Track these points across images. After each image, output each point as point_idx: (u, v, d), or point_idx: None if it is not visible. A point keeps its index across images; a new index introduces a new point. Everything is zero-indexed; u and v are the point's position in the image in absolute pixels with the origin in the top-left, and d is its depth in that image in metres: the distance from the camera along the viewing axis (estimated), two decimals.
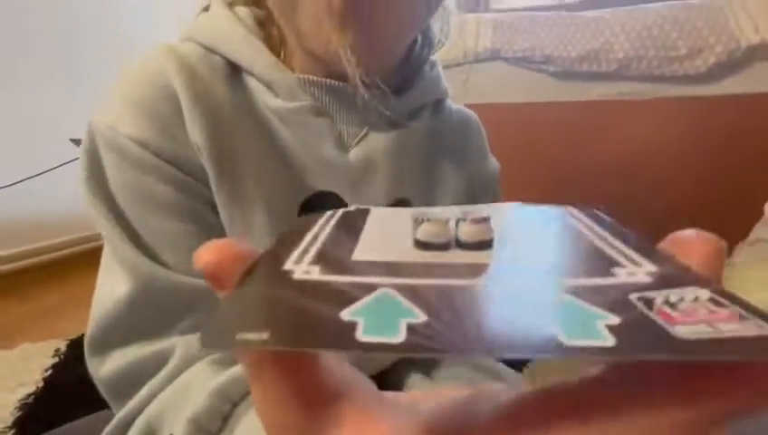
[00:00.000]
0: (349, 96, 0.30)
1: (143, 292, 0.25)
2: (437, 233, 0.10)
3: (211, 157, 0.26)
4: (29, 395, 0.67)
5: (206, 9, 0.33)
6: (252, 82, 0.29)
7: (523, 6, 1.75)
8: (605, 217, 0.11)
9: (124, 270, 0.26)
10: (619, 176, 0.93)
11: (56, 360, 0.77)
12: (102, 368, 0.26)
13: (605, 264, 0.09)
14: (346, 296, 0.08)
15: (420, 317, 0.07)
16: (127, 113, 0.26)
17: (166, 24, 1.55)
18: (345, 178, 0.30)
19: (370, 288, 0.08)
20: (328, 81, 0.29)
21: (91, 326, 0.27)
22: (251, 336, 0.07)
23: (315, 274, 0.09)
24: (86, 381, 0.58)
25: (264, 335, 0.07)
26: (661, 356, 0.06)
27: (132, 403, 0.25)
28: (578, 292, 0.08)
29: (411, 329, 0.07)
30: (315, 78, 0.29)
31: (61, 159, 1.09)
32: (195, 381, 0.23)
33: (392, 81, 0.32)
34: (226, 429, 0.20)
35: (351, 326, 0.07)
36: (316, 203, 0.30)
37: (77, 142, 0.98)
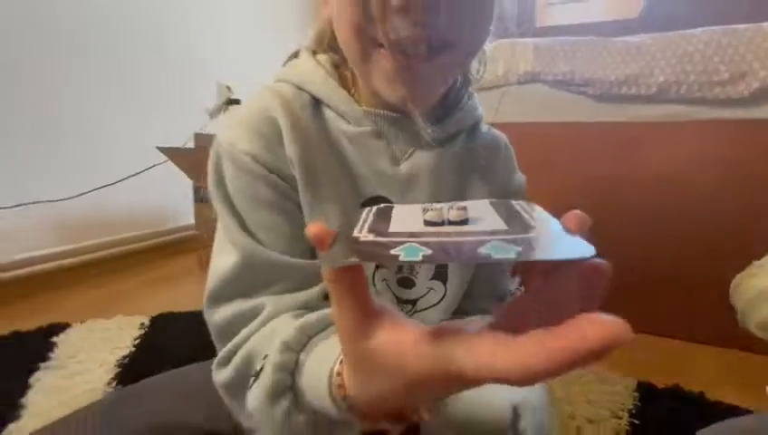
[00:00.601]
0: (401, 124, 0.39)
1: (246, 263, 0.35)
2: (437, 216, 0.18)
3: (300, 168, 0.37)
4: (125, 356, 0.82)
5: (296, 56, 0.44)
6: (329, 113, 0.40)
7: (568, 23, 1.78)
8: (533, 205, 0.20)
9: (234, 248, 0.36)
10: (658, 193, 0.94)
11: (142, 331, 0.92)
12: (215, 316, 0.37)
13: (521, 228, 0.17)
14: (390, 246, 0.16)
15: (429, 252, 0.16)
16: (243, 135, 0.37)
17: (239, 56, 1.75)
18: (395, 187, 0.40)
19: (402, 242, 0.17)
20: (385, 112, 0.39)
21: (208, 286, 0.37)
22: (345, 260, 0.16)
23: (371, 237, 0.18)
24: (164, 348, 0.71)
25: (353, 259, 0.16)
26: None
27: (233, 341, 0.35)
28: (502, 237, 0.16)
29: (425, 256, 0.15)
30: (376, 110, 0.39)
31: (147, 163, 1.29)
32: (281, 325, 0.33)
33: (434, 112, 0.41)
34: (306, 350, 0.29)
35: (396, 256, 0.16)
36: (371, 204, 0.39)
37: (162, 150, 1.16)
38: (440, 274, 0.41)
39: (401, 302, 0.42)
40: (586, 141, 1.00)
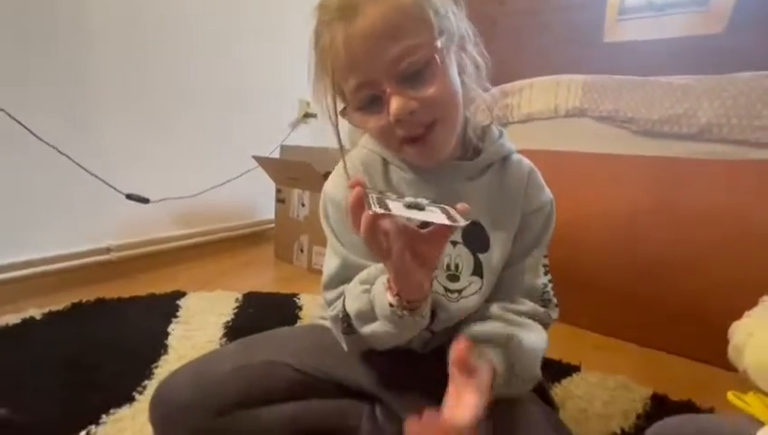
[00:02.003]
0: (450, 167, 0.56)
1: (343, 265, 0.56)
2: (411, 204, 0.39)
3: None
4: (228, 321, 1.07)
5: None
6: (393, 168, 0.59)
7: (641, 39, 1.77)
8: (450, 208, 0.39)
9: (336, 255, 0.57)
10: (693, 226, 1.00)
11: (237, 304, 1.18)
12: (327, 296, 0.57)
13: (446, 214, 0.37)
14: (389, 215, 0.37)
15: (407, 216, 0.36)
16: (336, 185, 0.59)
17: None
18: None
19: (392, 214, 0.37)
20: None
21: (323, 278, 0.58)
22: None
23: (380, 210, 0.36)
24: (255, 317, 0.95)
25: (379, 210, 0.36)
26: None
27: (334, 307, 0.55)
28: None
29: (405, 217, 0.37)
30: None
31: (241, 169, 1.57)
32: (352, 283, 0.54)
33: (465, 155, 0.57)
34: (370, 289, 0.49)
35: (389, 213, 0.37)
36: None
37: (256, 158, 1.44)
38: (477, 271, 0.56)
39: (449, 291, 0.57)
40: (628, 173, 1.08)
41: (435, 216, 0.38)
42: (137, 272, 1.35)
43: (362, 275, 0.54)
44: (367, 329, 0.52)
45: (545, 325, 0.57)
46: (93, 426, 0.65)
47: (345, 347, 0.58)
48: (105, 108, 1.26)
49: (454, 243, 0.57)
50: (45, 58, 1.12)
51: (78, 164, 1.13)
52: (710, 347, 1.04)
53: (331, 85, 0.49)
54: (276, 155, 1.63)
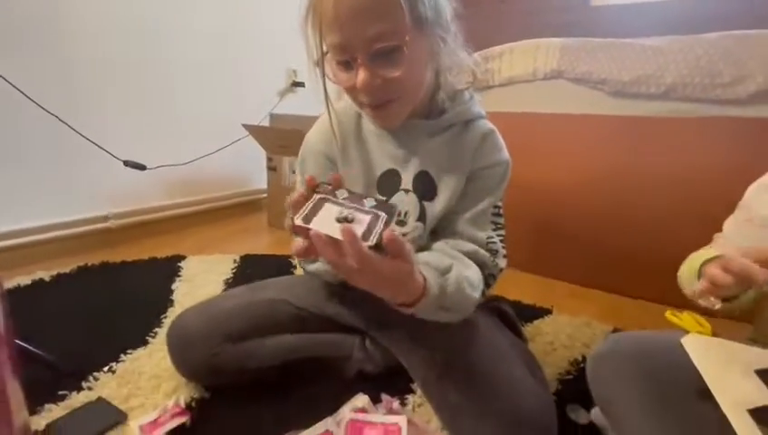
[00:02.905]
0: (409, 125, 0.62)
1: None
2: (340, 217, 0.42)
3: (341, 153, 0.63)
4: (228, 279, 1.14)
5: None
6: (364, 120, 0.65)
7: (626, 2, 1.79)
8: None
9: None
10: (666, 183, 1.08)
11: (235, 265, 1.25)
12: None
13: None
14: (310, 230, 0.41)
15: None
16: (313, 134, 0.66)
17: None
18: (396, 162, 0.63)
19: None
20: None
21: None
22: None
23: (300, 222, 0.40)
24: (252, 275, 1.04)
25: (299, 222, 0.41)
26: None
27: None
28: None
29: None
30: None
31: (233, 137, 1.60)
32: None
33: (424, 112, 0.62)
34: None
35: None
36: (386, 175, 0.64)
37: (246, 127, 1.48)
38: (421, 217, 0.63)
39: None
40: (602, 133, 1.15)
41: (350, 229, 0.38)
42: (135, 239, 1.40)
43: None
44: (311, 267, 0.67)
45: (488, 270, 0.61)
46: (114, 363, 0.73)
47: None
48: (101, 76, 1.27)
49: (406, 191, 0.63)
50: (44, 26, 1.13)
51: (76, 131, 1.16)
52: (671, 290, 1.15)
53: (318, 32, 0.53)
54: (266, 124, 1.66)
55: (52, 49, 1.16)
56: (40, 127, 1.14)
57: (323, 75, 0.55)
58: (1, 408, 0.41)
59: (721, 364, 0.50)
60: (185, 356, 0.65)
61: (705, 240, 0.68)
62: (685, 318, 0.63)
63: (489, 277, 0.62)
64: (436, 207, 0.63)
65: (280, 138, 1.52)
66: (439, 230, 0.64)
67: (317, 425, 0.52)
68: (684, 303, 0.66)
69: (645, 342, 0.58)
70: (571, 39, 1.18)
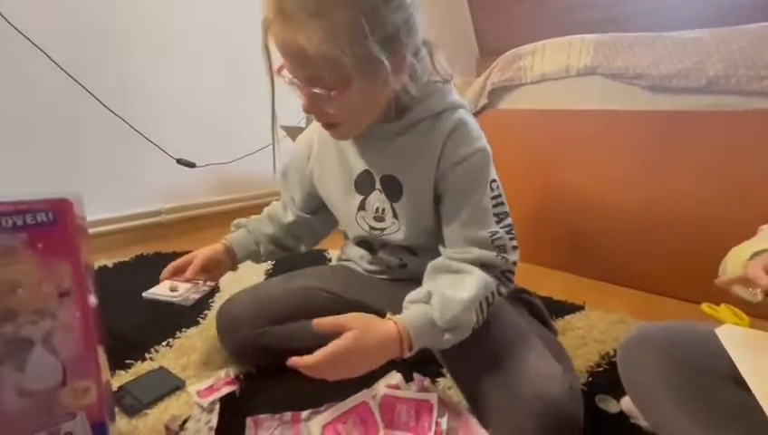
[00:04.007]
0: (370, 130, 0.61)
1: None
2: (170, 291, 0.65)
3: (316, 162, 0.70)
4: (268, 269, 1.22)
5: None
6: None
7: None
8: None
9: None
10: (703, 180, 1.05)
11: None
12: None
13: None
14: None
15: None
16: (297, 145, 0.73)
17: None
18: (368, 163, 0.65)
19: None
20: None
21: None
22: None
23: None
24: (292, 266, 1.05)
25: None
26: None
27: None
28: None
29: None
30: None
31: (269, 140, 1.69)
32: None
33: (388, 116, 0.59)
34: None
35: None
36: (361, 176, 0.67)
37: (284, 128, 1.55)
38: (395, 215, 0.65)
39: (374, 229, 0.68)
40: (639, 129, 1.13)
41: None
42: (184, 233, 1.52)
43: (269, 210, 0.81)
44: (344, 258, 0.81)
45: (499, 269, 0.60)
46: (171, 339, 0.81)
47: None
48: (157, 75, 1.39)
49: (380, 190, 0.66)
50: (106, 25, 1.25)
51: (136, 130, 1.28)
52: (708, 289, 1.09)
53: (268, 51, 0.53)
54: (303, 125, 1.74)
55: (112, 47, 1.28)
56: (102, 124, 1.26)
57: (273, 93, 0.58)
58: (93, 367, 0.48)
59: (756, 354, 0.50)
60: (233, 336, 0.71)
61: (749, 238, 0.66)
62: (722, 310, 0.62)
63: (503, 275, 0.61)
64: (404, 205, 0.65)
65: None
66: (442, 239, 0.63)
67: (354, 396, 0.57)
68: (718, 302, 0.65)
69: (676, 331, 0.58)
70: (606, 35, 1.17)
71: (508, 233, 0.61)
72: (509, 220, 0.63)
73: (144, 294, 0.67)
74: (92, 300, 0.50)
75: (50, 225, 0.43)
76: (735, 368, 0.47)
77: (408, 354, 0.54)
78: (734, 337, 0.53)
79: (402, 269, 0.74)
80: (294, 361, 0.51)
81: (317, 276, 0.79)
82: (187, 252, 1.36)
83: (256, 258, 0.80)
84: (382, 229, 0.68)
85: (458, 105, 0.62)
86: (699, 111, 1.04)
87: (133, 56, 1.34)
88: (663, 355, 0.53)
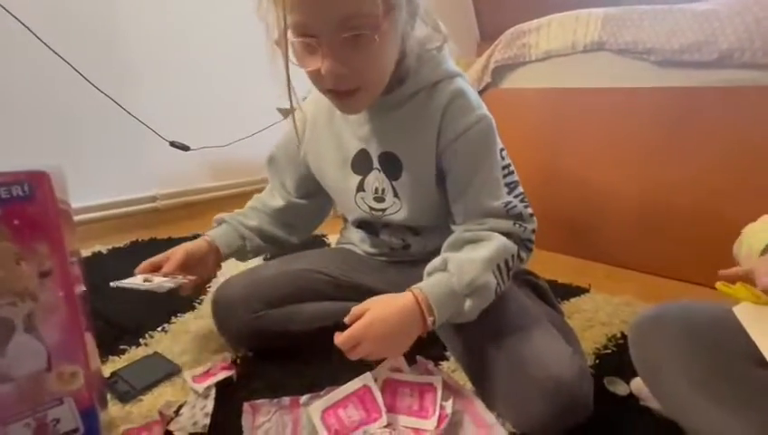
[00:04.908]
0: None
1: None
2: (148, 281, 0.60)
3: (312, 140, 0.66)
4: (266, 255, 1.19)
5: None
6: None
7: None
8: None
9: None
10: (715, 160, 1.01)
11: None
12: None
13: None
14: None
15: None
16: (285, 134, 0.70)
17: None
18: (364, 142, 0.63)
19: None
20: None
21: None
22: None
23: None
24: (290, 251, 0.99)
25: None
26: None
27: None
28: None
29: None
30: None
31: (270, 121, 1.64)
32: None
33: (388, 87, 0.56)
34: None
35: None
36: (358, 156, 0.64)
37: (280, 110, 1.51)
38: (396, 194, 0.63)
39: (374, 210, 0.66)
40: (648, 107, 1.09)
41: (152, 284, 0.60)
42: (180, 219, 1.48)
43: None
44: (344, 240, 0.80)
45: (519, 237, 0.59)
46: (166, 324, 0.79)
47: None
48: (149, 57, 1.35)
49: (379, 170, 0.63)
50: (98, 8, 1.20)
51: (127, 111, 1.23)
52: (716, 271, 1.07)
53: (282, 7, 0.46)
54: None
55: (104, 30, 1.24)
56: (95, 107, 1.21)
57: (286, 56, 0.50)
58: (80, 351, 0.45)
59: None
60: (228, 320, 0.69)
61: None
62: (738, 288, 0.60)
63: (523, 244, 0.60)
64: (405, 184, 0.62)
65: None
66: (452, 217, 0.62)
67: (355, 380, 0.54)
68: (732, 281, 0.62)
69: (691, 309, 0.56)
70: (614, 8, 1.12)
71: (522, 201, 0.60)
72: (521, 189, 0.61)
73: (112, 283, 0.62)
74: (78, 284, 0.47)
75: (26, 199, 0.40)
76: (754, 346, 0.45)
77: (432, 327, 0.52)
78: (753, 315, 0.50)
79: (405, 250, 0.72)
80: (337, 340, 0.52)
81: (315, 259, 0.77)
82: (183, 238, 1.34)
83: (242, 255, 0.74)
84: (383, 210, 0.66)
85: (455, 73, 0.59)
86: (712, 87, 1.00)
87: (125, 37, 1.30)
88: (679, 333, 0.51)
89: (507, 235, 0.57)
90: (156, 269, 0.65)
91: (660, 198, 1.10)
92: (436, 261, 0.56)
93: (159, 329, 0.77)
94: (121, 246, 1.21)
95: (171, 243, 1.28)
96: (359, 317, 0.51)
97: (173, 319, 0.81)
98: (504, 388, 0.55)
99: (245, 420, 0.52)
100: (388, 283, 0.72)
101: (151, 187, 1.42)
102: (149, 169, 1.41)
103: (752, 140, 0.97)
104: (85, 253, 1.13)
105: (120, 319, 0.78)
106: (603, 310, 0.89)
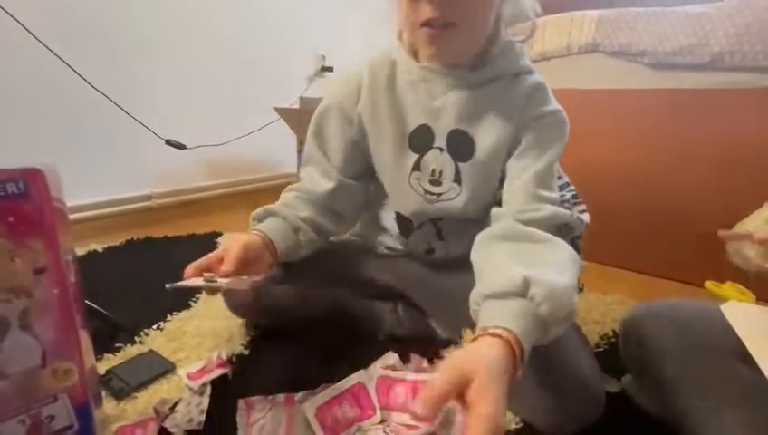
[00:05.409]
0: (443, 73, 0.59)
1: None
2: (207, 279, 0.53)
3: (369, 109, 0.62)
4: None
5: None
6: (400, 70, 0.62)
7: None
8: None
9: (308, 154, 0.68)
10: (707, 160, 1.03)
11: None
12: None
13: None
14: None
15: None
16: (337, 85, 0.66)
17: (337, 30, 2.02)
18: (431, 116, 0.60)
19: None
20: (433, 66, 0.59)
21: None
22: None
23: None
24: None
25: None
26: None
27: None
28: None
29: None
30: (424, 64, 0.60)
31: (267, 120, 1.64)
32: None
33: (472, 64, 0.58)
34: None
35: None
36: (417, 131, 0.61)
37: (277, 109, 1.51)
38: (457, 178, 0.60)
39: (429, 193, 0.62)
40: (640, 108, 1.10)
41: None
42: (175, 218, 1.48)
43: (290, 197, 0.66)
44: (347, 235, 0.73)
45: (575, 232, 0.55)
46: (161, 322, 0.79)
47: None
48: (145, 56, 1.34)
49: (441, 149, 0.60)
50: (94, 7, 1.20)
51: (122, 109, 1.23)
52: (709, 271, 1.09)
53: None
54: (297, 106, 1.70)
55: (101, 27, 1.23)
56: (89, 104, 1.21)
57: None
58: (74, 348, 0.45)
59: (761, 328, 0.49)
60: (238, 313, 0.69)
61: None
62: (726, 287, 0.61)
63: (574, 244, 0.54)
64: (473, 168, 0.59)
65: (309, 121, 1.55)
66: (504, 198, 0.57)
67: (349, 377, 0.55)
68: (722, 281, 0.63)
69: (681, 308, 0.57)
70: (608, 10, 1.13)
71: (575, 198, 0.61)
72: (574, 188, 0.63)
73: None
74: (72, 281, 0.47)
75: (21, 196, 0.40)
76: (741, 344, 0.46)
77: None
78: (740, 313, 0.52)
79: (428, 255, 0.70)
80: None
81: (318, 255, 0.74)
82: (180, 236, 1.33)
83: (295, 252, 0.63)
84: (439, 194, 0.61)
85: (533, 70, 0.61)
86: (704, 90, 1.01)
87: (122, 35, 1.29)
88: (669, 331, 0.51)
89: (565, 230, 0.54)
90: (207, 270, 0.54)
91: (653, 199, 1.12)
92: (509, 279, 0.43)
93: (155, 327, 0.77)
94: (117, 244, 1.20)
95: (167, 242, 1.29)
96: (455, 384, 0.35)
97: (168, 317, 0.81)
98: (527, 384, 0.49)
99: (240, 417, 0.53)
100: (399, 277, 0.72)
101: (147, 185, 1.42)
102: (145, 168, 1.41)
103: (743, 141, 0.98)
104: (80, 251, 1.13)
105: (116, 317, 0.78)
106: (596, 309, 0.90)
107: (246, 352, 0.70)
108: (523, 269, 0.43)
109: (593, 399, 0.49)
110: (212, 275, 0.52)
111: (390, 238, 0.72)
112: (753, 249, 0.50)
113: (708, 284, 0.60)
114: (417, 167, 0.61)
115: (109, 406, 0.57)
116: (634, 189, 1.14)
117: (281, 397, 0.56)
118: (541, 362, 0.48)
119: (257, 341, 0.73)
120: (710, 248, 0.63)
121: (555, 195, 0.56)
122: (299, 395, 0.56)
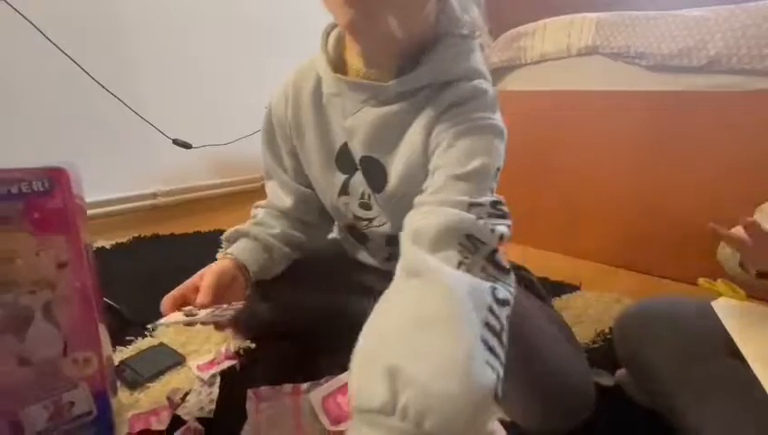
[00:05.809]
0: (359, 86, 0.48)
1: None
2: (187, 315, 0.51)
3: (292, 123, 0.56)
4: None
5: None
6: (324, 79, 0.52)
7: None
8: None
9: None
10: (703, 161, 1.05)
11: None
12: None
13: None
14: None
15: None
16: (274, 97, 0.59)
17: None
18: (345, 138, 0.52)
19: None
20: (348, 78, 0.49)
21: None
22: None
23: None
24: None
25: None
26: None
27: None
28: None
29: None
30: (342, 76, 0.49)
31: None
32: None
33: (398, 61, 0.46)
34: None
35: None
36: (342, 151, 0.54)
37: None
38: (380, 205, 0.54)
39: (360, 219, 0.56)
40: (639, 110, 1.12)
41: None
42: (180, 216, 1.51)
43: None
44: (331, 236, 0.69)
45: (486, 245, 0.39)
46: None
47: None
48: (152, 55, 1.36)
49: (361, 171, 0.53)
50: (102, 6, 1.22)
51: (131, 108, 1.26)
52: (704, 271, 1.10)
53: None
54: None
55: (108, 27, 1.26)
56: (98, 105, 1.24)
57: None
58: (94, 338, 0.48)
59: (751, 325, 0.51)
60: None
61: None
62: (719, 284, 0.63)
63: (493, 256, 0.39)
64: (389, 199, 0.51)
65: None
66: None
67: (340, 376, 0.57)
68: (715, 279, 0.65)
69: (674, 304, 0.59)
70: (608, 13, 1.15)
71: (493, 205, 0.42)
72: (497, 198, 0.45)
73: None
74: (92, 275, 0.50)
75: (45, 194, 0.43)
76: (731, 340, 0.48)
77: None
78: (730, 309, 0.54)
79: (389, 263, 0.64)
80: None
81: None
82: (186, 234, 1.36)
83: (268, 270, 0.61)
84: (370, 220, 0.56)
85: (477, 74, 0.47)
86: (700, 92, 1.03)
87: (129, 34, 1.32)
88: (662, 326, 0.54)
89: (472, 239, 0.38)
90: (184, 302, 0.53)
91: (650, 199, 1.14)
92: (379, 395, 0.31)
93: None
94: (124, 241, 1.23)
95: (174, 239, 1.31)
96: None
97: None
98: (509, 386, 0.49)
99: (250, 406, 0.55)
100: (382, 278, 0.71)
101: (153, 184, 1.44)
102: (152, 167, 1.43)
103: (739, 142, 1.00)
104: None
105: (126, 312, 0.80)
106: (593, 307, 0.93)
107: (253, 346, 0.72)
108: (390, 354, 0.33)
109: (582, 400, 0.49)
110: (190, 308, 0.52)
111: (355, 244, 0.68)
112: (728, 250, 0.53)
113: (701, 280, 0.62)
114: (344, 190, 0.56)
115: (123, 395, 0.60)
116: (632, 189, 1.16)
117: (288, 387, 0.59)
118: (525, 367, 0.45)
119: (263, 335, 0.75)
120: (707, 248, 0.65)
121: (465, 199, 0.41)
122: (305, 386, 0.58)
